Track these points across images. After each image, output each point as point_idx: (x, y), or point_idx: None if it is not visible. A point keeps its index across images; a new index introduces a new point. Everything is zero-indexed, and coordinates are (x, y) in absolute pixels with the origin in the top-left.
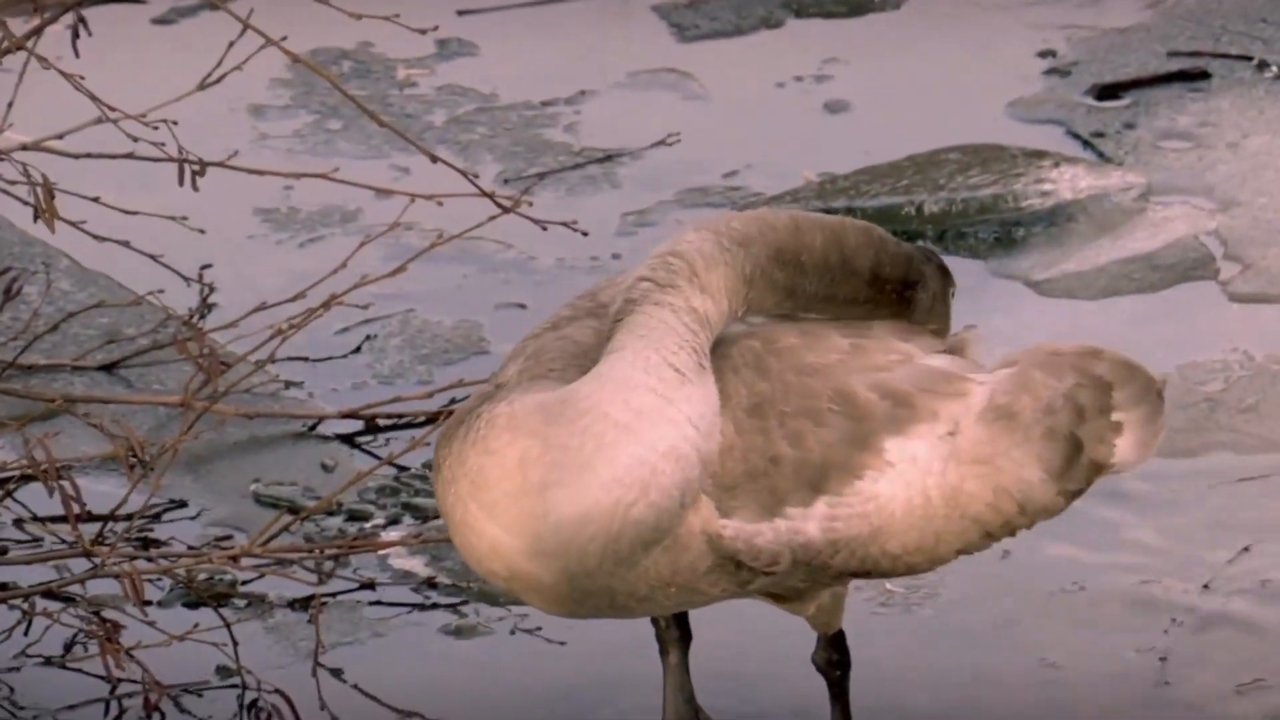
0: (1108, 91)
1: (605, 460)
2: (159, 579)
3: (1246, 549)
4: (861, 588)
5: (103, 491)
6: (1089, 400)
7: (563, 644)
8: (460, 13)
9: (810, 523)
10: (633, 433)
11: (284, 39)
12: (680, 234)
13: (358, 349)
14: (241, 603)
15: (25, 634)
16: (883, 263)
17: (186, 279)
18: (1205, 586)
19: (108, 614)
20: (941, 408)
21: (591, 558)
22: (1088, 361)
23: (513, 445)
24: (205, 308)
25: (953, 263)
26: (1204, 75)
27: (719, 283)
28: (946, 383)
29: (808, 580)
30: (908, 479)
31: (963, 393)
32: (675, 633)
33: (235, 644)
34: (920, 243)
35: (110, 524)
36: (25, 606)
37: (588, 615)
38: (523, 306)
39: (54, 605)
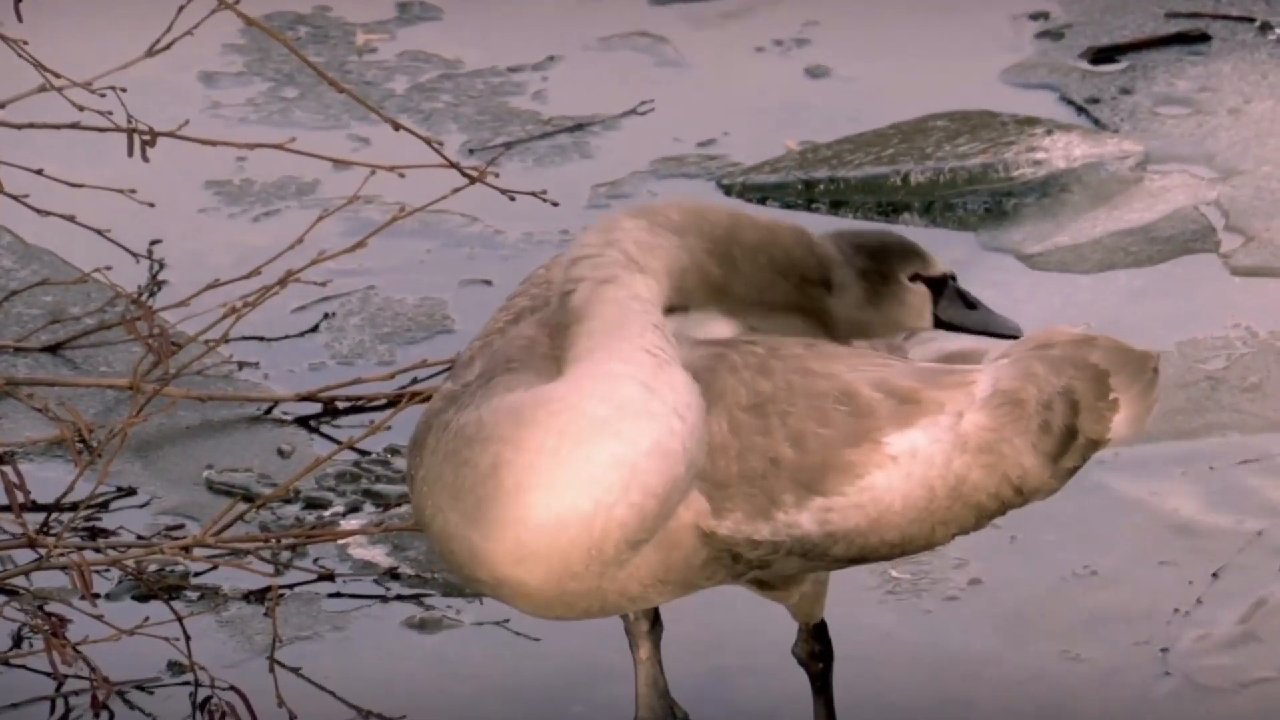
0: (1103, 55)
1: (582, 460)
2: (107, 570)
3: (1260, 533)
4: (864, 576)
5: (48, 478)
6: (1086, 392)
7: (536, 640)
8: None
9: (804, 515)
10: (611, 429)
11: (237, 2)
12: (614, 220)
13: (315, 328)
14: (194, 595)
15: None
16: (811, 266)
17: (135, 255)
18: (1214, 576)
19: (53, 608)
20: (947, 397)
21: (576, 560)
22: (1083, 350)
23: (485, 452)
24: (155, 285)
25: (941, 236)
26: (1204, 37)
27: (658, 266)
28: (949, 374)
29: (804, 567)
30: (907, 471)
31: (967, 382)
32: (645, 625)
33: (188, 638)
34: (906, 215)
35: (56, 513)
36: None
37: (578, 618)
38: (489, 283)
39: None
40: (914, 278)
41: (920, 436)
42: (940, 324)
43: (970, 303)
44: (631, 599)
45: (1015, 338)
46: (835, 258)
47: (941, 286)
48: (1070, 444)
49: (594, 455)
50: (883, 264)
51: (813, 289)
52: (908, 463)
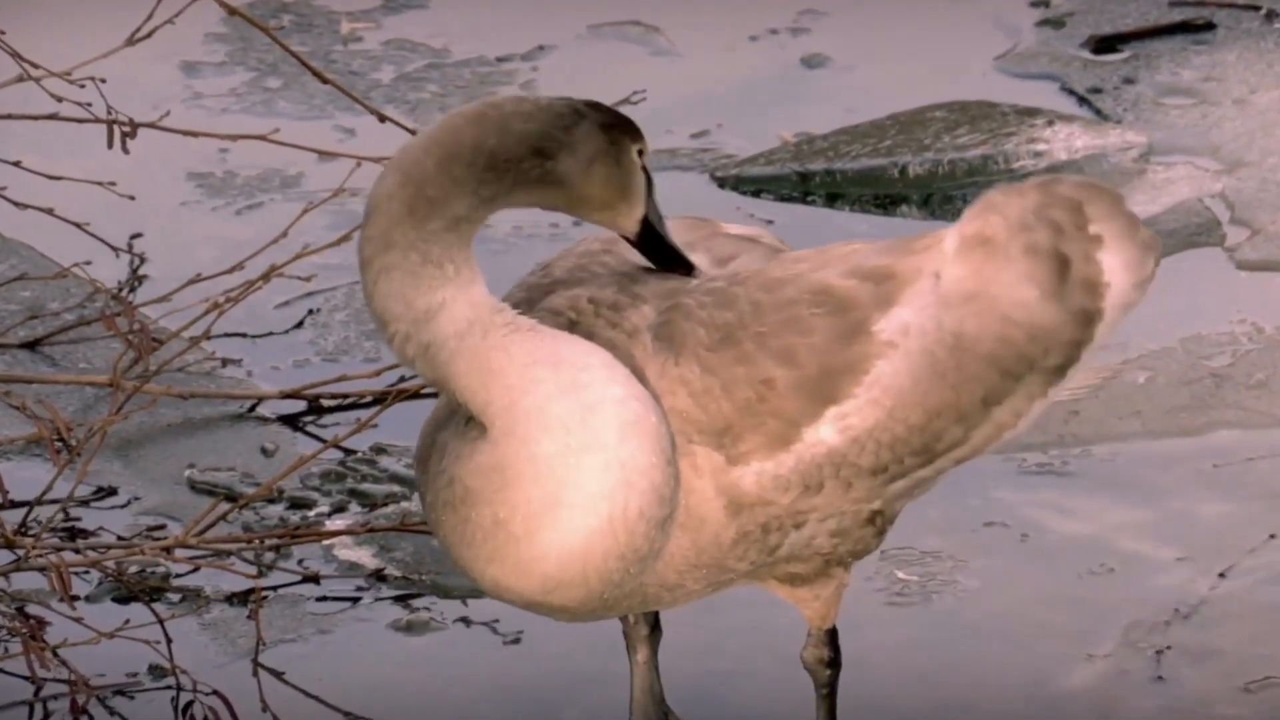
0: (1105, 44)
1: (572, 488)
2: (87, 572)
3: (1273, 536)
4: (873, 578)
5: (26, 478)
6: (1061, 216)
7: (518, 639)
8: None
9: (824, 429)
10: (575, 448)
11: None
12: (377, 199)
13: (300, 324)
14: (175, 597)
15: None
16: (500, 145)
17: (115, 249)
18: (1221, 575)
19: (32, 610)
20: (921, 262)
21: (613, 571)
22: (1048, 185)
23: (480, 511)
24: (135, 280)
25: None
26: (1209, 26)
27: (433, 270)
28: (917, 240)
29: (849, 510)
30: (906, 349)
31: (935, 241)
32: (644, 629)
33: (169, 641)
34: (904, 207)
35: (34, 513)
36: None
37: (619, 615)
38: None
39: None
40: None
41: (906, 311)
42: (645, 224)
43: (660, 214)
44: (670, 588)
45: (689, 273)
46: (565, 115)
47: (649, 184)
48: (1066, 274)
49: (580, 479)
50: (621, 125)
51: (513, 163)
52: (904, 340)
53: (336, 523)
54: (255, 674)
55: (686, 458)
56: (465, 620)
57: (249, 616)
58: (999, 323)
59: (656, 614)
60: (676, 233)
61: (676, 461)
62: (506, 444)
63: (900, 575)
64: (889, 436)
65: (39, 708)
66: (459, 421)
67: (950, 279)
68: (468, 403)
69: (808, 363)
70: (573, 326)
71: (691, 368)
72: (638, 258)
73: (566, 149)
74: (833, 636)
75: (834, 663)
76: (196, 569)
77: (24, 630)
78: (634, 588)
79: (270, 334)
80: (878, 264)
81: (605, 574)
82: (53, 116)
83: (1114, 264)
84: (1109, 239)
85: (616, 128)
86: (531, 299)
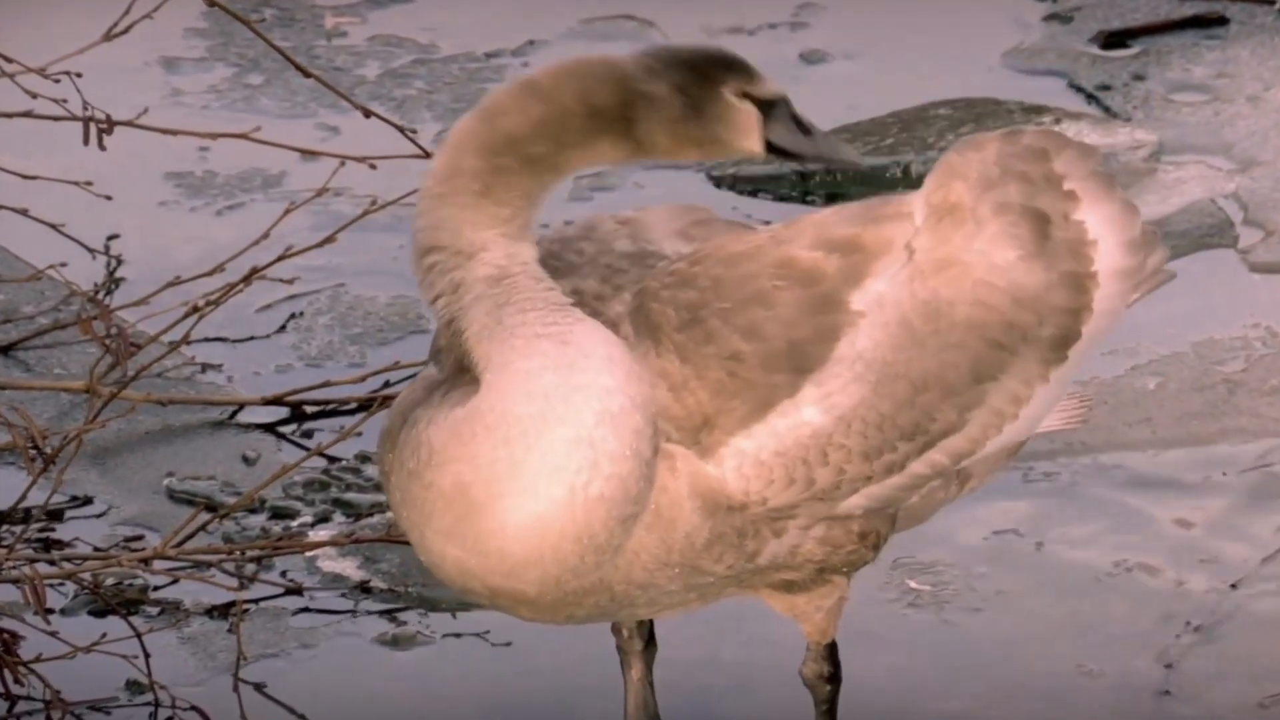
0: (1114, 39)
1: (538, 455)
2: (62, 584)
3: None
4: (886, 586)
5: None
6: (1027, 167)
7: (516, 657)
8: None
9: (806, 409)
10: (550, 418)
11: None
12: (451, 149)
13: (282, 328)
14: (154, 610)
15: None
16: (592, 90)
17: (91, 251)
18: (1233, 587)
19: (4, 623)
20: (892, 232)
21: (569, 555)
22: (1009, 136)
23: (442, 473)
24: (112, 283)
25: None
26: (1221, 21)
27: (490, 208)
28: (884, 206)
29: (838, 521)
30: (883, 319)
31: (903, 209)
32: (638, 644)
33: (147, 656)
34: None
35: (7, 524)
36: None
37: (588, 617)
38: None
39: None
40: (742, 96)
41: (879, 283)
42: (772, 149)
43: (805, 127)
44: (642, 587)
45: (857, 167)
46: (642, 75)
47: (770, 109)
48: (1046, 230)
49: (548, 448)
50: (703, 75)
51: (608, 112)
52: (879, 312)
53: (320, 533)
54: (236, 690)
55: (665, 459)
56: (453, 634)
57: (230, 630)
58: (974, 286)
59: (651, 628)
60: (671, 217)
61: (654, 465)
62: (486, 398)
63: (912, 585)
64: (875, 415)
65: None
66: (443, 391)
67: (922, 250)
68: (470, 351)
69: (774, 335)
70: None
71: (671, 358)
72: (625, 244)
73: (644, 112)
74: (832, 651)
75: (834, 678)
76: (176, 581)
77: None
78: (596, 582)
79: (252, 338)
80: (844, 234)
81: (561, 555)
82: (27, 114)
83: (1095, 220)
84: (1084, 195)
85: (694, 83)
86: None
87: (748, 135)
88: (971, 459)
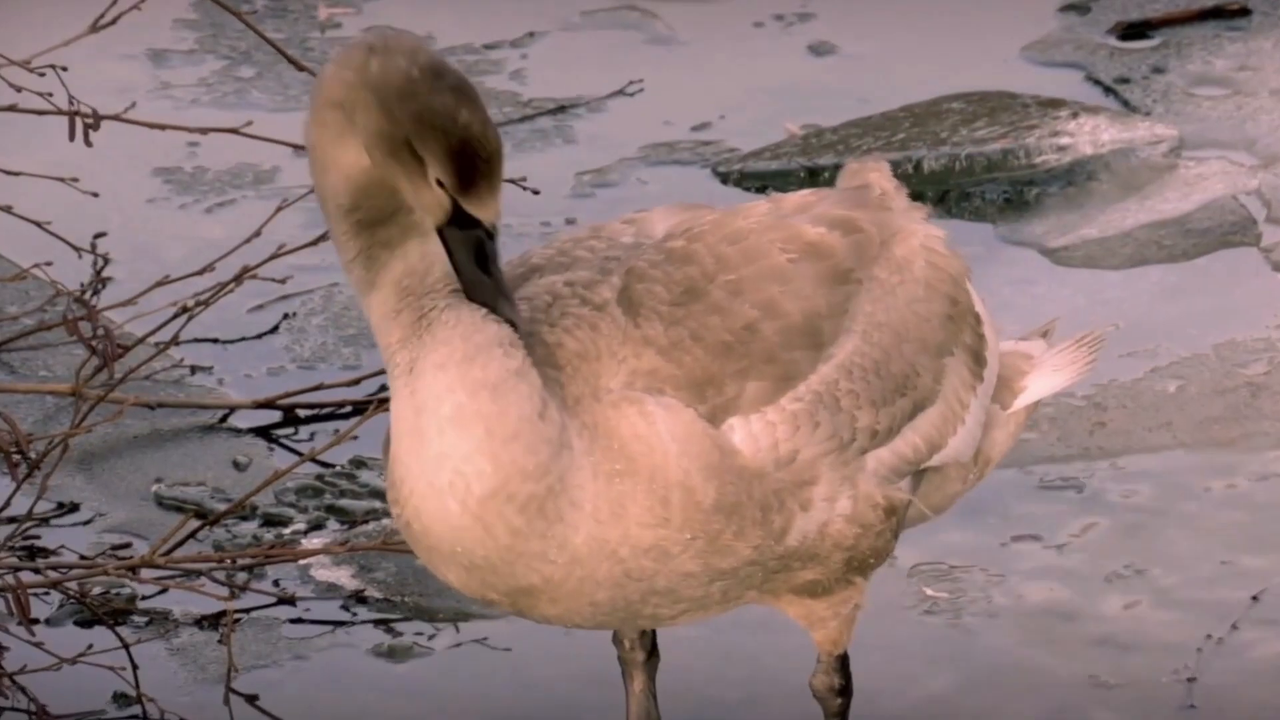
0: (1133, 30)
1: (425, 482)
2: (47, 593)
3: None
4: (903, 594)
5: None
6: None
7: (514, 668)
8: None
9: (827, 366)
10: (416, 448)
11: None
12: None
13: (274, 329)
14: (142, 620)
15: None
16: (330, 82)
17: (78, 249)
18: (1254, 599)
19: None
20: (887, 220)
21: (490, 514)
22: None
23: (401, 491)
24: (99, 282)
25: (957, 228)
26: (1244, 12)
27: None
28: (868, 191)
29: (861, 494)
30: (896, 283)
31: (886, 198)
32: (640, 655)
33: (135, 667)
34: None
35: None
36: None
37: (611, 613)
38: None
39: None
40: (440, 183)
41: (881, 267)
42: (443, 239)
43: (488, 268)
44: (654, 559)
45: (511, 324)
46: (379, 80)
47: (470, 226)
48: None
49: (424, 473)
50: (429, 140)
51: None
52: (889, 276)
53: (313, 541)
54: (227, 702)
55: (629, 405)
56: (451, 645)
57: (220, 641)
58: (922, 247)
59: (654, 639)
60: (673, 215)
61: (534, 422)
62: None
63: (929, 592)
64: (870, 361)
65: None
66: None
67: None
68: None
69: (794, 311)
70: (548, 308)
71: (654, 325)
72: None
73: (361, 115)
74: (844, 663)
75: (845, 690)
76: (164, 590)
77: None
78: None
79: (243, 339)
80: (844, 214)
81: (485, 516)
82: (11, 108)
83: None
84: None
85: (419, 134)
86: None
87: (426, 216)
88: (941, 455)
